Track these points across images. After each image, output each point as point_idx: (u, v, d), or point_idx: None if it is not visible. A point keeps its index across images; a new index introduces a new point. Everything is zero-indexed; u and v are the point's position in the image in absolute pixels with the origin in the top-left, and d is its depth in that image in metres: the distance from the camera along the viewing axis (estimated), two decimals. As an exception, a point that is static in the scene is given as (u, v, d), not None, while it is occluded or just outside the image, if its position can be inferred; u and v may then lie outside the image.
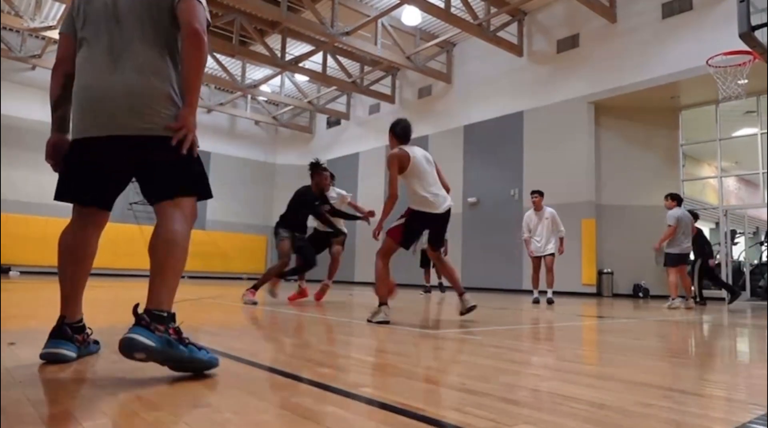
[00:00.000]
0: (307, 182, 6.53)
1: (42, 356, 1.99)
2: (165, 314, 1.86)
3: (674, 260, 7.97)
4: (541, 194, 8.58)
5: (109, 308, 5.15)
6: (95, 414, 1.35)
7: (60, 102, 2.15)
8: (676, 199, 8.22)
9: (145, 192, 2.05)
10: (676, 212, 8.03)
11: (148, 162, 1.98)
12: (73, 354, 2.03)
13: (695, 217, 9.00)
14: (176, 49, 2.09)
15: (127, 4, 2.04)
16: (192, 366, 1.84)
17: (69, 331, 2.06)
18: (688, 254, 8.24)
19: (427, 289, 11.01)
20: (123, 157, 1.99)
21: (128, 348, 1.72)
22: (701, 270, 9.30)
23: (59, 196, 2.13)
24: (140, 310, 1.85)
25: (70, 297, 2.13)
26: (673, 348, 3.31)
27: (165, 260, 1.92)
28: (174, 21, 2.06)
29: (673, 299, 7.80)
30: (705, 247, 9.36)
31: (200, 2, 2.12)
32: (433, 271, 10.71)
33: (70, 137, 2.11)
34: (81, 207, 2.14)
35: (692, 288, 8.60)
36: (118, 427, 1.25)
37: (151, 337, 1.75)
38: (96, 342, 2.29)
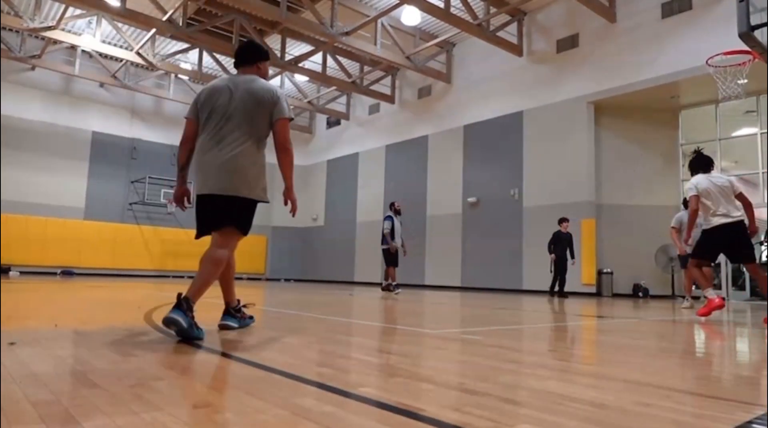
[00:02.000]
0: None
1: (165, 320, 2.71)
2: (237, 306, 3.37)
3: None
4: None
5: (110, 308, 5.15)
6: (95, 414, 1.35)
7: (185, 167, 3.14)
8: None
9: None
10: None
11: (220, 211, 3.01)
12: (187, 328, 2.70)
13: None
14: (264, 140, 3.11)
15: (238, 107, 2.98)
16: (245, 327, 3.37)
17: (184, 305, 2.78)
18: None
19: (393, 287, 10.68)
20: (221, 206, 2.99)
21: (223, 327, 3.24)
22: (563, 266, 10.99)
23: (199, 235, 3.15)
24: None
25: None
26: (672, 348, 3.31)
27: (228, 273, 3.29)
28: (269, 124, 3.06)
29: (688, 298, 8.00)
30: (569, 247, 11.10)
31: (289, 119, 3.10)
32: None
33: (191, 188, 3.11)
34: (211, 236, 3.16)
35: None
36: (118, 427, 1.25)
37: (233, 320, 3.30)
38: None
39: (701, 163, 5.55)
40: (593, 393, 1.75)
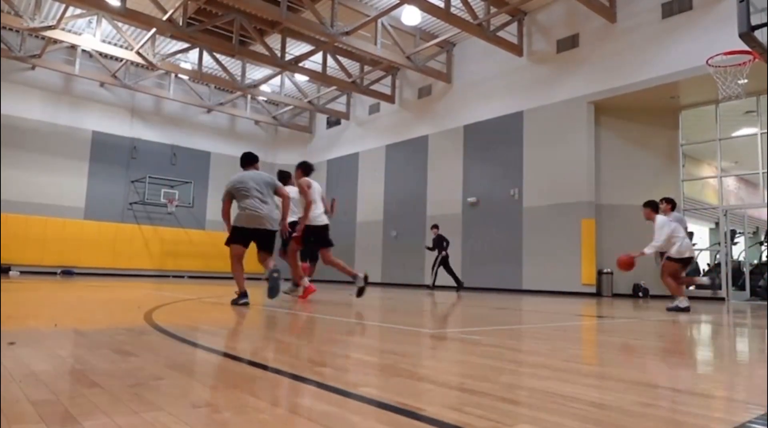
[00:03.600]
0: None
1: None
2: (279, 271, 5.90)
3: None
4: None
5: (109, 308, 5.14)
6: (95, 414, 1.35)
7: (230, 214, 5.75)
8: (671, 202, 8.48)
9: (260, 247, 5.83)
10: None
11: (265, 237, 5.79)
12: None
13: None
14: (275, 198, 5.89)
15: (260, 184, 5.70)
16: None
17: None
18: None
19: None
20: (256, 234, 5.73)
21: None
22: (441, 261, 12.53)
23: (230, 242, 5.75)
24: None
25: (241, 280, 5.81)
26: (672, 348, 3.31)
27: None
28: (274, 191, 5.89)
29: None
30: (444, 243, 12.69)
31: (283, 187, 6.08)
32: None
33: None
34: (239, 246, 5.75)
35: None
36: (118, 427, 1.25)
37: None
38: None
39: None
40: (593, 393, 1.75)
